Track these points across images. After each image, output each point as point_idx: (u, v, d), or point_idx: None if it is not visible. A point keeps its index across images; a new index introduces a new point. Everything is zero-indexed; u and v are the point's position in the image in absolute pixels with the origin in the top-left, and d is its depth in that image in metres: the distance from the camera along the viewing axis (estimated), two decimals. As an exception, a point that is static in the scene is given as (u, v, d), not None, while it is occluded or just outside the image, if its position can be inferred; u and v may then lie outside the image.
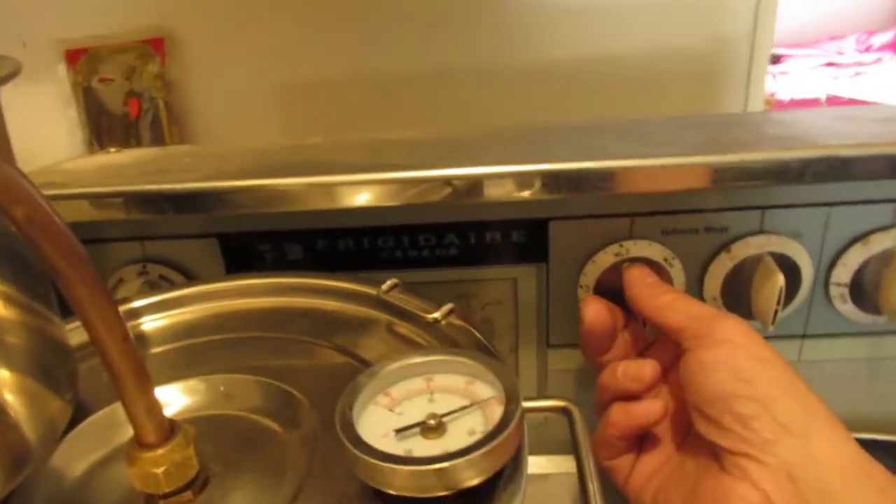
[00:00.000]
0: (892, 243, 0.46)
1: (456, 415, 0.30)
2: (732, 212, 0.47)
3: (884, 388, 0.52)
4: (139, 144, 0.83)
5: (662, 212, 0.47)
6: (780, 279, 0.45)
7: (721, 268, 0.48)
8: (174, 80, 0.81)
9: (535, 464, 0.57)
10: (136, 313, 0.43)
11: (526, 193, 0.43)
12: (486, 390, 0.31)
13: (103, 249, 0.50)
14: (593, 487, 0.32)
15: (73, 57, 0.81)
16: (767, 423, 0.33)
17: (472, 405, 0.30)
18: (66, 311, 0.33)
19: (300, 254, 0.50)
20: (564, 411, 0.35)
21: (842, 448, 0.32)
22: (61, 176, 0.51)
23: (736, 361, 0.35)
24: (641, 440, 0.42)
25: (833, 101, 2.22)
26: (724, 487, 0.34)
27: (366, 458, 0.27)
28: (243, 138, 0.83)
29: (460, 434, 0.29)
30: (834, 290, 0.48)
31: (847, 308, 0.49)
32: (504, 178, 0.43)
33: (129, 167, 0.53)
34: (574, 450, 0.34)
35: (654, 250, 0.47)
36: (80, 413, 0.34)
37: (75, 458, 0.33)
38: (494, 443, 0.27)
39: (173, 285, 0.47)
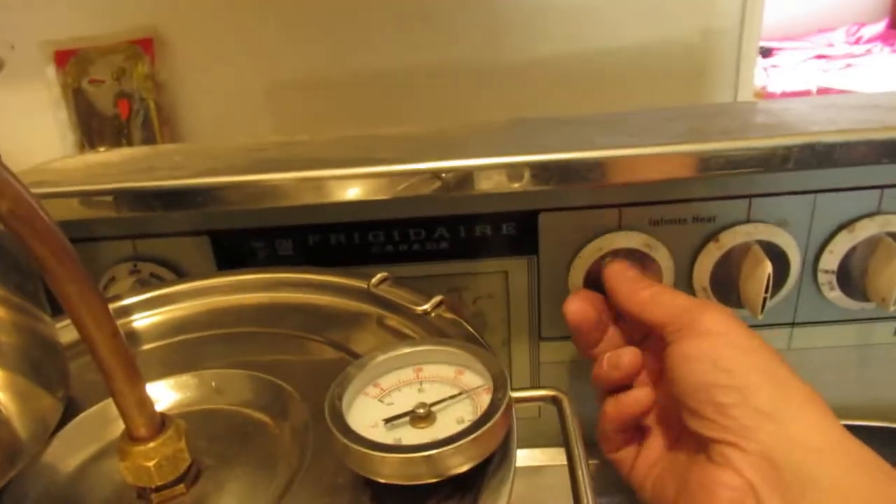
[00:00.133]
0: (878, 230, 0.47)
1: (445, 404, 0.30)
2: (719, 201, 0.47)
3: (873, 374, 0.53)
4: (130, 145, 0.83)
5: (650, 202, 0.47)
6: (768, 267, 0.45)
7: (709, 257, 0.48)
8: (164, 81, 0.81)
9: (530, 456, 0.58)
10: (128, 310, 0.43)
11: (515, 185, 0.44)
12: (475, 379, 0.31)
13: (94, 248, 0.51)
14: (583, 475, 0.32)
15: (63, 58, 0.80)
16: (747, 411, 0.33)
17: (460, 394, 0.31)
18: (57, 310, 0.33)
19: (291, 249, 0.50)
20: (554, 400, 0.35)
21: (825, 432, 0.33)
22: (51, 175, 0.51)
23: (716, 351, 0.36)
24: (643, 433, 0.42)
25: (824, 93, 2.23)
26: (709, 476, 0.34)
27: (355, 447, 0.27)
28: (234, 137, 0.83)
29: (449, 423, 0.29)
30: (822, 278, 0.49)
31: (835, 295, 0.49)
32: (493, 169, 0.44)
33: (119, 165, 0.53)
34: (564, 439, 0.34)
35: (642, 241, 0.48)
36: (71, 410, 0.34)
37: (67, 453, 0.33)
38: (482, 430, 0.27)
39: (165, 282, 0.47)
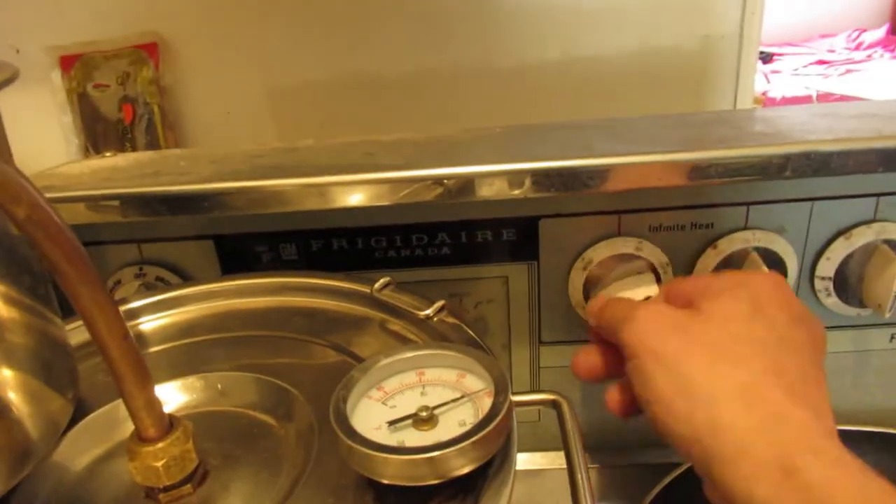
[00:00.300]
0: (875, 237, 0.47)
1: (447, 407, 0.31)
2: (718, 208, 0.48)
3: (869, 379, 0.53)
4: (134, 150, 0.84)
5: (649, 209, 0.48)
6: (765, 273, 0.45)
7: (708, 263, 0.49)
8: (168, 86, 0.82)
9: (530, 460, 0.58)
10: (136, 313, 0.44)
11: (516, 192, 0.44)
12: (477, 383, 0.32)
13: (101, 252, 0.51)
14: (582, 479, 0.33)
15: (68, 63, 0.81)
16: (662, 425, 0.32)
17: (462, 397, 0.31)
18: (67, 312, 0.34)
19: (295, 254, 0.51)
20: (554, 404, 0.36)
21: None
22: (58, 179, 0.52)
23: (639, 372, 0.33)
24: None
25: (824, 98, 2.24)
26: None
27: (360, 448, 0.28)
28: (238, 142, 0.84)
29: (451, 425, 0.30)
30: (819, 284, 0.49)
31: (831, 301, 0.50)
32: (495, 177, 0.44)
33: (125, 170, 0.54)
34: (563, 442, 0.34)
35: (641, 247, 0.48)
36: (81, 410, 0.35)
37: (77, 453, 0.34)
38: (483, 432, 0.28)
39: (171, 286, 0.48)
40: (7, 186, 0.23)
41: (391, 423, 0.30)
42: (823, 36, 2.82)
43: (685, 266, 0.49)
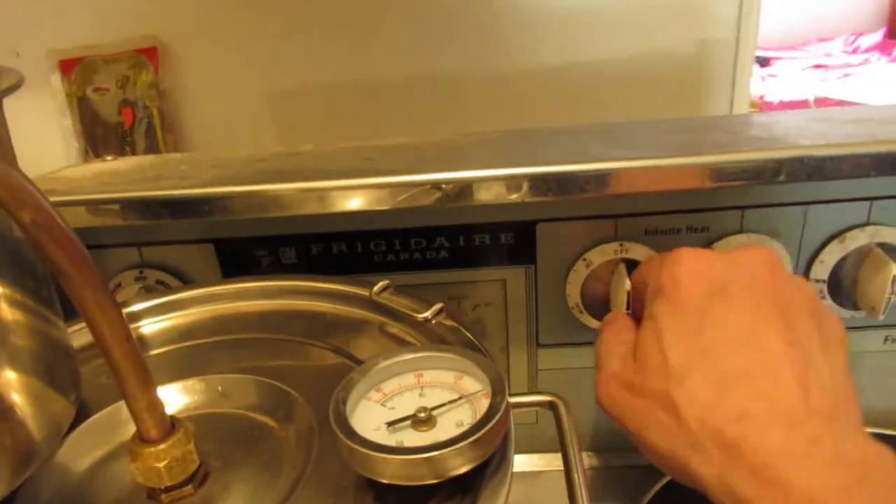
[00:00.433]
0: (868, 240, 0.48)
1: (445, 408, 0.31)
2: (713, 212, 0.48)
3: (863, 381, 0.54)
4: (134, 153, 0.84)
5: (645, 213, 0.48)
6: (760, 276, 0.46)
7: (703, 266, 0.49)
8: (168, 89, 0.82)
9: (527, 461, 0.59)
10: (137, 316, 0.44)
11: (514, 196, 0.45)
12: (474, 385, 0.32)
13: (101, 255, 0.52)
14: (579, 480, 0.33)
15: (68, 67, 0.81)
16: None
17: (460, 399, 0.32)
18: (69, 315, 0.35)
19: (294, 258, 0.52)
20: (551, 406, 0.36)
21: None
22: (59, 183, 0.52)
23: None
24: None
25: (822, 102, 2.25)
26: None
27: (359, 449, 0.28)
28: (237, 146, 0.85)
29: (449, 426, 0.30)
30: (813, 287, 0.50)
31: (826, 304, 0.50)
32: (493, 181, 0.45)
33: (126, 174, 0.54)
34: (560, 444, 0.35)
35: (637, 251, 0.49)
36: (83, 412, 0.35)
37: (80, 454, 0.34)
38: (481, 433, 0.28)
39: (172, 289, 0.48)
40: (12, 190, 0.23)
41: (390, 423, 0.31)
42: (820, 40, 2.84)
43: (681, 269, 0.50)
